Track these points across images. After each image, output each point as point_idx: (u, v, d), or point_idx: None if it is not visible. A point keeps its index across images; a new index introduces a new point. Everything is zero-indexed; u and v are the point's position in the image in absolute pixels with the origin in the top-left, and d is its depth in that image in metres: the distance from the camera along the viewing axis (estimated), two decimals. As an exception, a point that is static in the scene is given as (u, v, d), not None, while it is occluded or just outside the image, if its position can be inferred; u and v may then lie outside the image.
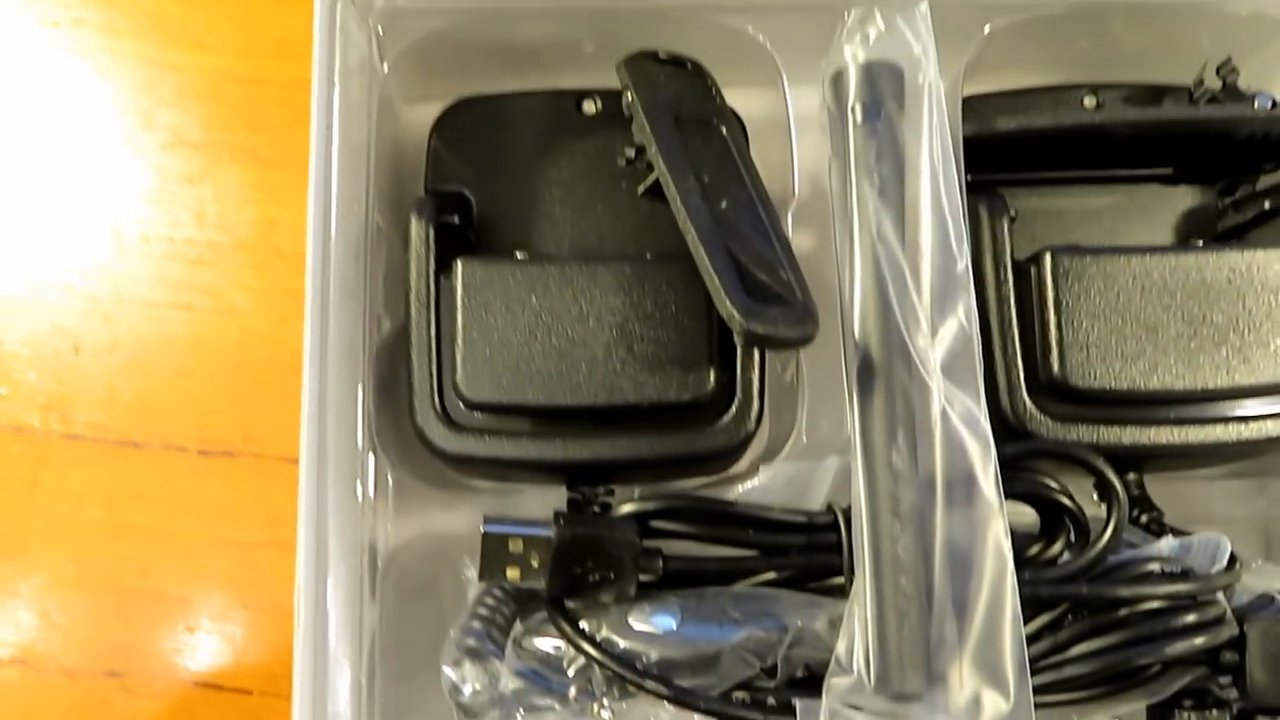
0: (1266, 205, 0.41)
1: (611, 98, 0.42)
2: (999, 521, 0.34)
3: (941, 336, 0.36)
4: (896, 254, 0.36)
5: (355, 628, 0.38)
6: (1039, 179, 0.43)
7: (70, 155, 0.49)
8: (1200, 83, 0.42)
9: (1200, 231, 0.43)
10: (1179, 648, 0.35)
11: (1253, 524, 0.44)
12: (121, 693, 0.45)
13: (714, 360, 0.38)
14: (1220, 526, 0.38)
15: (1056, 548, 0.37)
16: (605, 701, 0.35)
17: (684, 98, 0.39)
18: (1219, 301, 0.38)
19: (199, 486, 0.46)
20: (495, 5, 0.41)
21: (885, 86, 0.37)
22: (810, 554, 0.36)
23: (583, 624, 0.35)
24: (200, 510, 0.46)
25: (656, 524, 0.36)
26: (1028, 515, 0.37)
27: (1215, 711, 0.36)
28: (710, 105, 0.40)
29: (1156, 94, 0.43)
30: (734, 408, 0.38)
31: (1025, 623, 0.33)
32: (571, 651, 0.35)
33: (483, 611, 0.37)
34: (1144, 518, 0.40)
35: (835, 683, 0.34)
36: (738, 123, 0.41)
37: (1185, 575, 0.36)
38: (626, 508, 0.37)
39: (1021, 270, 0.40)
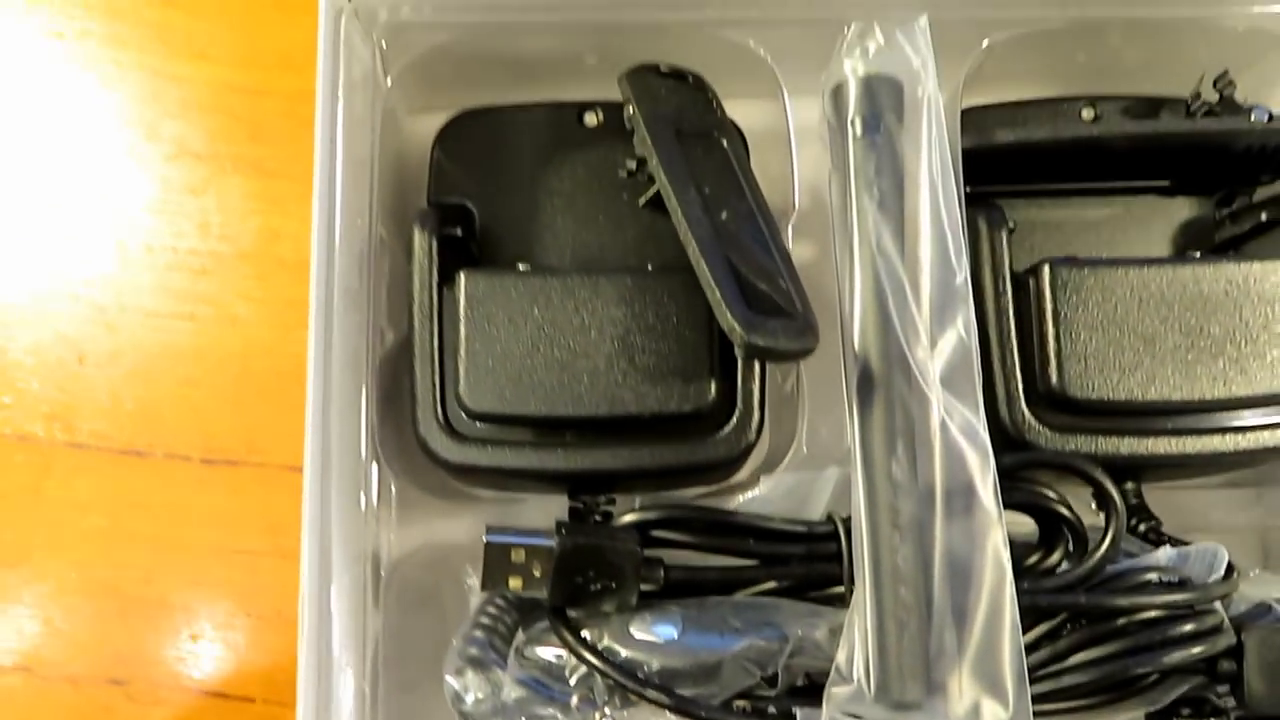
0: (1263, 217, 0.41)
1: (613, 110, 0.42)
2: (998, 531, 0.34)
3: (941, 348, 0.36)
4: (896, 266, 0.36)
5: (358, 636, 0.38)
6: (1038, 190, 0.44)
7: (74, 166, 0.49)
8: (1197, 96, 0.42)
9: (1198, 243, 0.43)
10: (1177, 656, 0.35)
11: (1250, 533, 0.45)
12: (125, 700, 0.45)
13: (715, 371, 0.38)
14: (1218, 535, 0.38)
15: (1055, 557, 0.37)
16: (607, 710, 0.35)
17: (685, 111, 0.40)
18: (1216, 313, 0.39)
19: (202, 495, 0.47)
20: (498, 19, 0.41)
21: (885, 100, 0.37)
22: (810, 564, 0.37)
23: (584, 633, 0.36)
24: (203, 519, 0.46)
25: (658, 533, 0.37)
26: (1026, 525, 0.37)
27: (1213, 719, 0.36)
28: (711, 118, 0.41)
29: (1154, 106, 0.43)
30: (735, 418, 0.38)
31: (1024, 632, 0.34)
32: (573, 660, 0.36)
33: (485, 620, 0.37)
34: (1142, 527, 0.40)
35: (835, 692, 0.34)
36: (738, 135, 0.41)
37: (1183, 585, 0.36)
38: (628, 517, 0.37)
39: (1020, 282, 0.40)
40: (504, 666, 0.36)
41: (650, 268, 0.40)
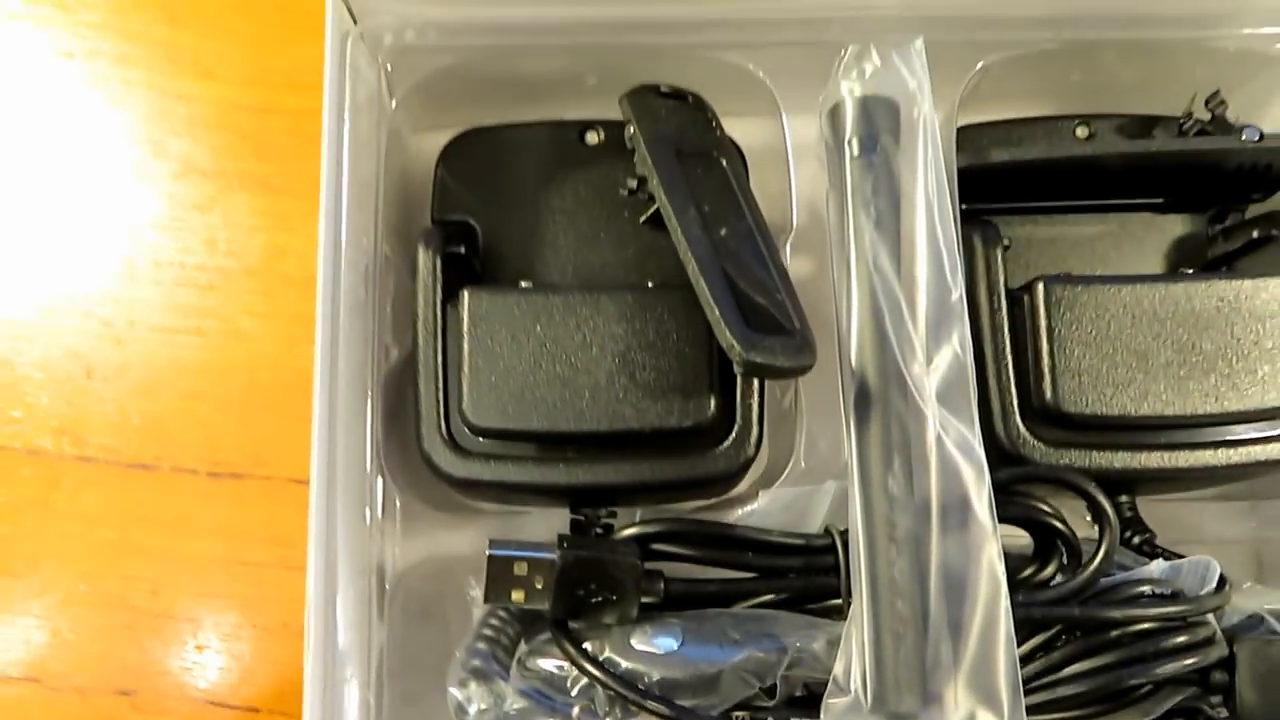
0: (1255, 234, 0.42)
1: (614, 129, 0.42)
2: (993, 545, 0.34)
3: (936, 364, 0.36)
4: (892, 284, 0.36)
5: (363, 648, 0.38)
6: (1033, 208, 0.44)
7: (83, 183, 0.50)
8: (1189, 115, 0.42)
9: (1191, 259, 0.44)
10: (1169, 668, 0.36)
11: (1244, 546, 0.45)
12: (132, 711, 0.46)
13: (714, 387, 0.38)
14: (1212, 548, 0.38)
15: (1049, 570, 0.37)
16: (608, 721, 0.36)
17: (685, 130, 0.40)
18: (1208, 329, 0.39)
19: (208, 508, 0.47)
20: (501, 43, 0.42)
21: (881, 120, 0.38)
22: (808, 576, 0.37)
23: (586, 645, 0.36)
24: (209, 531, 0.47)
25: (658, 546, 0.37)
26: (1022, 539, 0.38)
27: (1206, 730, 0.37)
28: (711, 137, 0.41)
29: (1147, 125, 0.44)
30: (734, 433, 0.39)
31: (1019, 644, 0.34)
32: (575, 672, 0.36)
33: (488, 632, 0.37)
34: (1137, 539, 0.40)
35: (833, 703, 0.34)
36: (738, 154, 0.42)
37: (1175, 597, 0.37)
38: (628, 531, 0.37)
39: (1015, 299, 0.40)
40: (506, 678, 0.36)
41: (651, 285, 0.40)
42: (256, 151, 0.50)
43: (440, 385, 0.39)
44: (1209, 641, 0.36)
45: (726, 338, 0.34)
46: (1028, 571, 0.37)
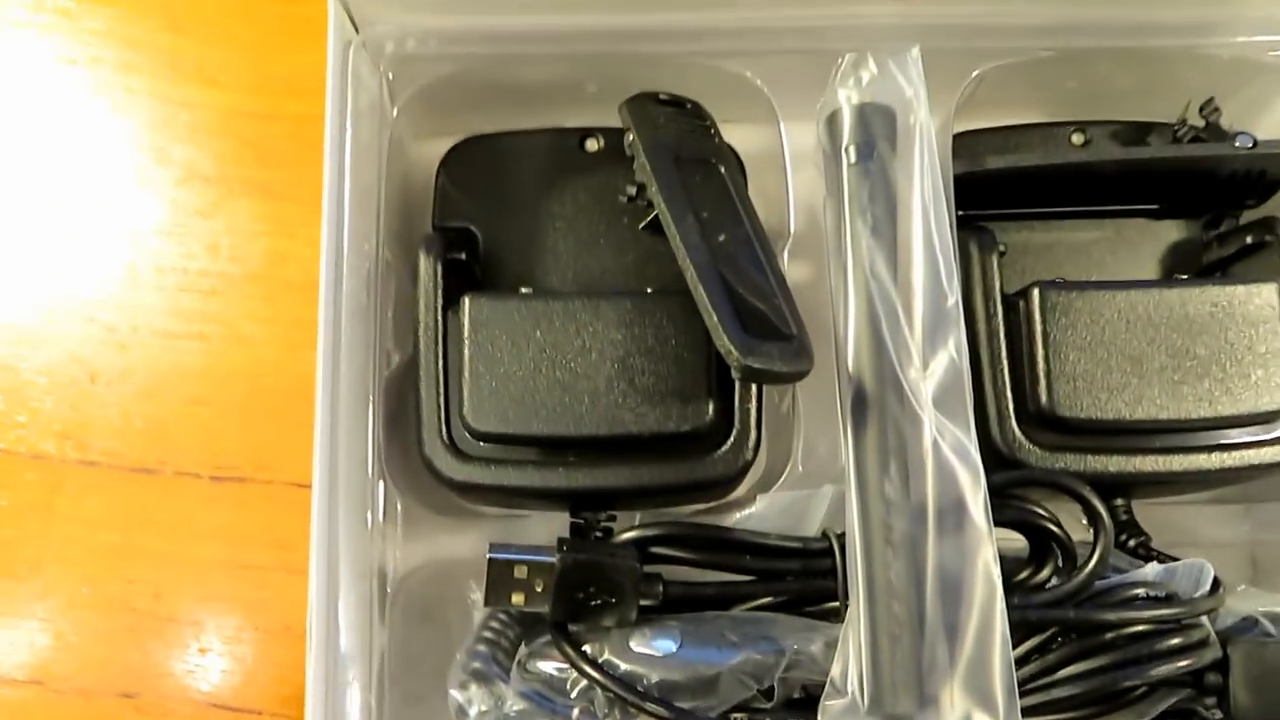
0: (1249, 240, 0.42)
1: (614, 135, 0.43)
2: (988, 548, 0.35)
3: (933, 369, 0.36)
4: (889, 290, 0.37)
5: (365, 650, 0.38)
6: (1029, 214, 0.44)
7: (86, 189, 0.50)
8: (1183, 122, 0.43)
9: (1186, 264, 0.44)
10: (1164, 670, 0.36)
11: (1239, 548, 0.45)
12: (135, 713, 0.46)
13: (712, 392, 0.39)
14: (1208, 550, 0.38)
15: (1045, 573, 0.37)
16: (607, 722, 0.36)
17: (684, 138, 0.40)
18: (1202, 334, 0.39)
19: (211, 512, 0.47)
20: (501, 51, 0.42)
21: (878, 128, 0.38)
22: (806, 579, 0.37)
23: (585, 647, 0.36)
24: (212, 535, 0.47)
25: (657, 550, 0.37)
26: (1018, 542, 0.38)
27: (1201, 732, 0.37)
28: (709, 145, 0.41)
29: (1142, 131, 0.44)
30: (732, 438, 0.39)
31: (1014, 646, 0.34)
32: (574, 674, 0.36)
33: (488, 635, 0.38)
34: (1132, 542, 0.40)
35: (830, 705, 0.34)
36: (736, 161, 0.42)
37: (1170, 600, 0.37)
38: (627, 534, 0.37)
39: (1011, 304, 0.40)
40: (507, 680, 0.36)
41: (650, 291, 0.41)
42: (259, 158, 0.50)
43: (441, 390, 0.40)
44: (1203, 643, 0.36)
45: (724, 343, 0.35)
46: (1023, 574, 0.37)
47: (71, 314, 0.49)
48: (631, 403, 0.38)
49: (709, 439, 0.39)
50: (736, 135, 0.43)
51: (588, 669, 0.36)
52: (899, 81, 0.38)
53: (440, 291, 0.40)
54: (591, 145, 0.44)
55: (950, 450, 0.36)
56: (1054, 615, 0.36)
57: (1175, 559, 0.39)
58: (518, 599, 0.36)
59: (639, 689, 0.35)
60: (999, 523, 0.35)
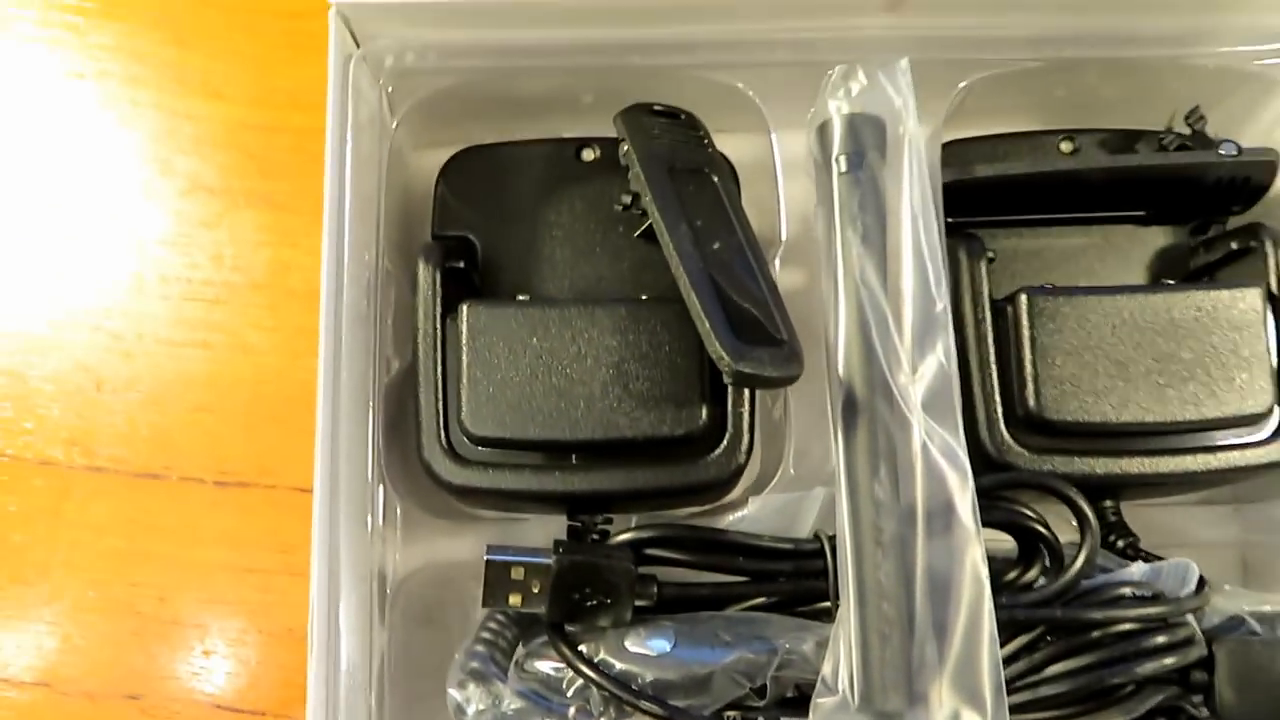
0: (1234, 245, 0.43)
1: (610, 145, 0.43)
2: (976, 549, 0.35)
3: (922, 374, 0.37)
4: (879, 297, 0.37)
5: (365, 652, 0.39)
6: (1019, 221, 0.45)
7: (92, 200, 0.51)
8: (1170, 130, 0.43)
9: (1173, 270, 0.45)
10: (1150, 667, 0.36)
11: (1229, 549, 0.46)
12: (140, 715, 0.46)
13: (706, 397, 0.39)
14: (1198, 551, 0.39)
15: (1033, 573, 0.38)
16: (603, 720, 0.36)
17: (678, 148, 0.41)
18: (1187, 338, 0.40)
19: (215, 516, 0.48)
20: (499, 64, 0.42)
21: (867, 138, 0.39)
22: (798, 580, 0.38)
23: (581, 647, 0.37)
24: (216, 539, 0.48)
25: (651, 552, 0.38)
26: (1007, 543, 0.38)
27: (1188, 729, 0.37)
28: (702, 154, 0.42)
29: (1130, 139, 0.44)
30: (725, 442, 0.39)
31: (1002, 645, 0.35)
32: (570, 673, 0.37)
33: (486, 635, 0.38)
34: (1121, 543, 0.41)
35: (821, 703, 0.35)
36: (729, 170, 0.43)
37: (1155, 599, 0.37)
38: (623, 536, 0.38)
39: (999, 309, 0.41)
40: (504, 679, 0.37)
41: (644, 298, 0.41)
42: (262, 169, 0.50)
43: (440, 396, 0.40)
44: (1188, 642, 0.37)
45: (716, 348, 0.35)
46: (1012, 574, 0.38)
47: (78, 322, 0.50)
48: (626, 408, 0.39)
49: (703, 443, 0.39)
50: (729, 145, 0.43)
51: (584, 668, 0.36)
52: (888, 92, 0.39)
53: (439, 299, 0.40)
54: (588, 155, 0.44)
55: (939, 453, 0.36)
56: (1041, 614, 0.37)
57: (1162, 559, 0.39)
58: (515, 600, 0.36)
59: (634, 688, 0.36)
60: (987, 524, 0.36)
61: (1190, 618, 0.37)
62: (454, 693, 0.37)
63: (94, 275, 0.50)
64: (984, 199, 0.43)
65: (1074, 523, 0.38)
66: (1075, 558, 0.37)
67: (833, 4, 0.41)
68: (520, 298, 0.42)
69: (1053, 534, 0.38)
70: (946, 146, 0.43)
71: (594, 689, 0.36)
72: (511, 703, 0.36)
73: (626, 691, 0.36)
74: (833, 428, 0.37)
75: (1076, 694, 0.37)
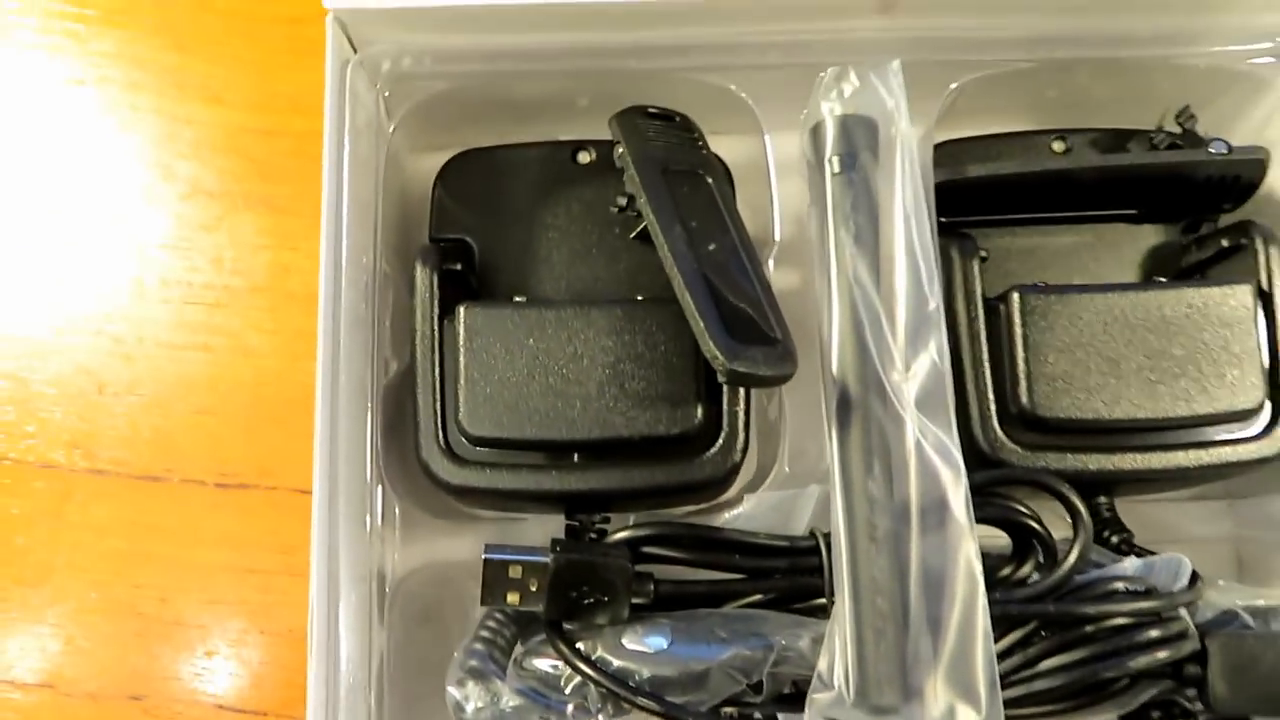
0: (1225, 243, 0.43)
1: (606, 148, 0.43)
2: (970, 544, 0.35)
3: (915, 372, 0.37)
4: (872, 296, 0.37)
5: (365, 651, 0.39)
6: (1012, 220, 0.45)
7: (94, 205, 0.51)
8: (1161, 129, 0.44)
9: (1165, 268, 0.45)
10: (1143, 661, 0.37)
11: (1223, 544, 0.46)
12: (143, 715, 0.47)
13: (701, 396, 0.39)
14: (1191, 546, 0.39)
15: (1026, 569, 0.38)
16: (601, 717, 0.37)
17: (672, 150, 0.41)
18: (1178, 335, 0.40)
19: (216, 518, 0.48)
20: (495, 69, 0.43)
21: (860, 139, 0.39)
22: (793, 577, 0.38)
23: (579, 645, 0.37)
24: (217, 540, 0.48)
25: (648, 550, 0.38)
26: (1001, 539, 0.39)
27: (1182, 722, 0.37)
28: (697, 156, 0.42)
29: (1121, 139, 0.45)
30: (721, 440, 0.40)
31: (996, 640, 0.35)
32: (568, 671, 0.37)
33: (485, 634, 0.38)
34: (1115, 539, 0.41)
35: (817, 698, 0.35)
36: (724, 171, 0.43)
37: (1148, 593, 0.38)
38: (620, 535, 0.38)
39: (992, 308, 0.41)
40: (503, 677, 0.37)
41: (640, 299, 0.41)
42: (262, 173, 0.51)
43: (438, 397, 0.40)
44: (1181, 636, 0.37)
45: (710, 348, 0.35)
46: (1005, 570, 0.38)
47: (80, 326, 0.50)
48: (623, 407, 0.39)
49: (698, 442, 0.40)
50: (723, 147, 0.43)
51: (581, 665, 0.36)
52: (880, 93, 0.39)
53: (437, 301, 0.41)
54: (583, 158, 0.44)
55: (933, 450, 0.36)
56: (1035, 609, 0.37)
57: (1155, 554, 0.39)
58: (513, 598, 0.37)
59: (631, 684, 0.36)
60: (981, 520, 0.36)
61: (1183, 612, 0.38)
62: (453, 690, 0.37)
63: (95, 280, 0.50)
64: (976, 198, 0.43)
65: (1067, 518, 0.38)
66: (1068, 553, 0.37)
67: (825, 6, 0.41)
68: (517, 299, 0.42)
69: (1046, 530, 0.38)
70: (939, 147, 0.43)
71: (592, 686, 0.37)
72: (510, 700, 0.37)
73: (624, 688, 0.36)
74: (827, 426, 0.37)
75: (1070, 688, 0.37)
